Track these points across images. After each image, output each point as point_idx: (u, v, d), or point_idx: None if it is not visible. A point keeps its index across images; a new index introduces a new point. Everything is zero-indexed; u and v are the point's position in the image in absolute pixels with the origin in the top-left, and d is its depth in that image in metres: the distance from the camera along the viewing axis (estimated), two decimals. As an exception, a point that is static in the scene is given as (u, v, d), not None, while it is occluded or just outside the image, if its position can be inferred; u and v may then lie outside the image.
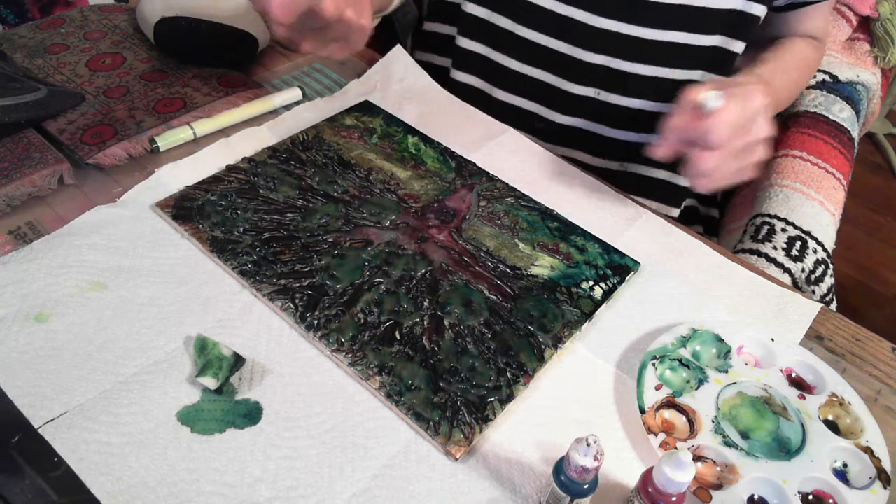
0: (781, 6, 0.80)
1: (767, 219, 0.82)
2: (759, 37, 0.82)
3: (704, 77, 0.79)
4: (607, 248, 0.67)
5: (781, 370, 0.59)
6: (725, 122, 0.58)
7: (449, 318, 0.59)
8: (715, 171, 0.60)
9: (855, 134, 0.95)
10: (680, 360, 0.58)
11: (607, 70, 0.79)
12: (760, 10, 0.76)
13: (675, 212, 0.89)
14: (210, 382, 0.52)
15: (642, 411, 0.54)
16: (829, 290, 0.81)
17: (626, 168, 0.86)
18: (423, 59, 0.93)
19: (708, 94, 0.59)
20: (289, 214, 0.66)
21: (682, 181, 0.89)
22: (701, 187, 0.62)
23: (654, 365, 0.58)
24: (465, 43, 0.85)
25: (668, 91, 0.80)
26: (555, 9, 0.77)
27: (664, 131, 0.62)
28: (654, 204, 0.86)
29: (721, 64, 0.78)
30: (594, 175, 0.77)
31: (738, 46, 0.78)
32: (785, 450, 0.54)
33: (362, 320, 0.58)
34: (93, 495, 0.46)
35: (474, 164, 0.75)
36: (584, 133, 0.84)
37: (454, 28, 0.86)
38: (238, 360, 0.54)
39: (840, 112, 0.94)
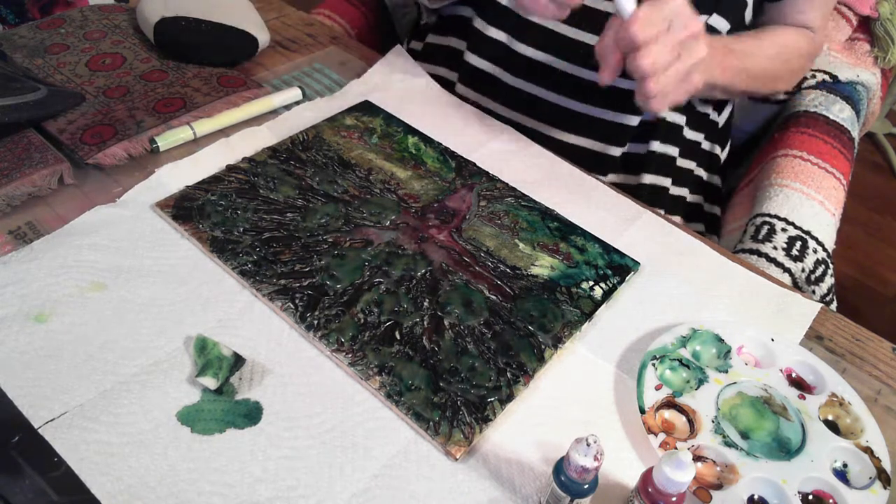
0: None
1: (767, 219, 0.82)
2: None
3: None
4: (607, 248, 0.67)
5: (781, 370, 0.59)
6: (642, 19, 0.59)
7: (449, 318, 0.59)
8: (656, 68, 0.61)
9: (855, 134, 0.95)
10: (680, 360, 0.58)
11: None
12: None
13: (685, 191, 0.88)
14: (210, 382, 0.52)
15: (642, 411, 0.54)
16: (829, 290, 0.81)
17: (629, 150, 0.86)
18: (435, 42, 0.93)
19: (621, 4, 0.61)
20: (289, 214, 0.66)
21: (687, 163, 0.88)
22: (653, 103, 0.63)
23: (654, 365, 0.58)
24: (482, 27, 0.85)
25: None
26: None
27: (598, 55, 0.64)
28: (665, 180, 0.86)
29: None
30: (596, 172, 0.77)
31: (722, 24, 0.80)
32: (785, 450, 0.54)
33: (362, 320, 0.58)
34: (93, 495, 0.46)
35: (474, 164, 0.75)
36: (594, 119, 0.84)
37: (469, 8, 0.86)
38: (238, 360, 0.54)
39: (840, 112, 0.94)
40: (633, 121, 0.83)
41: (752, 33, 0.82)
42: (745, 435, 0.54)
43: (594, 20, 0.78)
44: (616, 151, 0.85)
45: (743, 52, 0.77)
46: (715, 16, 0.78)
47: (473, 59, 0.87)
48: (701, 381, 0.57)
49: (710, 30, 0.78)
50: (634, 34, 0.59)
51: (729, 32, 0.81)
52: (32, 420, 0.49)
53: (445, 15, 0.91)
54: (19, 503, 0.45)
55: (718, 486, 0.51)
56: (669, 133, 0.86)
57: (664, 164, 0.87)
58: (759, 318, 0.64)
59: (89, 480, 0.47)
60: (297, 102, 0.81)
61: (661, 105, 0.64)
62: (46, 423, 0.49)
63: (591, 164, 0.83)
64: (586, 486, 0.45)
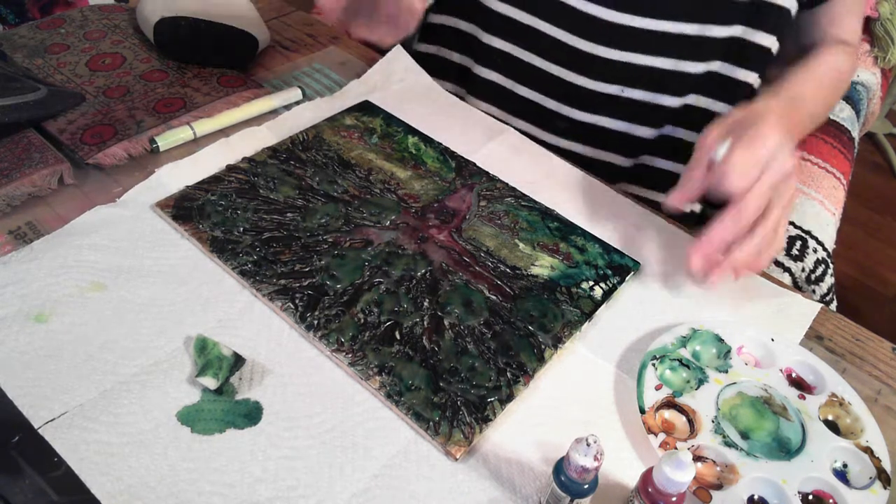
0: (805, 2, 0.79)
1: (768, 218, 0.82)
2: (792, 45, 0.81)
3: (723, 68, 0.79)
4: (607, 248, 0.67)
5: (781, 370, 0.59)
6: (735, 164, 0.57)
7: (449, 318, 0.59)
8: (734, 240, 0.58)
9: (855, 134, 0.95)
10: (680, 360, 0.58)
11: (631, 66, 0.79)
12: (789, 2, 0.75)
13: (697, 206, 0.88)
14: (210, 382, 0.52)
15: (642, 411, 0.54)
16: (829, 290, 0.81)
17: (641, 161, 0.86)
18: (442, 55, 0.92)
19: (717, 149, 0.58)
20: (289, 214, 0.66)
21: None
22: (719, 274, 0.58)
23: (654, 365, 0.58)
24: (489, 39, 0.84)
25: (695, 84, 0.80)
26: (576, 5, 0.77)
27: (683, 183, 0.61)
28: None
29: (742, 55, 0.78)
30: (603, 176, 0.77)
31: (763, 38, 0.77)
32: (785, 450, 0.54)
33: (362, 320, 0.58)
34: (93, 495, 0.46)
35: (474, 164, 0.75)
36: (606, 131, 0.84)
37: (473, 25, 0.86)
38: (238, 360, 0.54)
39: (840, 112, 0.94)
40: (646, 132, 0.83)
41: (806, 70, 0.76)
42: (745, 435, 0.54)
43: (605, 32, 0.78)
44: (626, 162, 0.85)
45: (804, 99, 0.73)
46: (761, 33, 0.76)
47: (482, 72, 0.86)
48: (701, 381, 0.57)
49: (756, 47, 0.76)
50: (727, 181, 0.56)
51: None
52: (32, 420, 0.49)
53: (447, 26, 0.90)
54: (19, 503, 0.45)
55: (718, 486, 0.51)
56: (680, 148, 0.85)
57: (669, 179, 0.86)
58: (759, 318, 0.64)
59: (89, 480, 0.47)
60: (297, 102, 0.81)
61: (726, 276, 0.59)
62: (46, 423, 0.49)
63: (602, 175, 0.82)
64: (586, 486, 0.45)
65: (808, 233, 0.81)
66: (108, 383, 0.52)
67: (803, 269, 0.79)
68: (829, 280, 0.81)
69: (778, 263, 0.79)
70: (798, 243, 0.80)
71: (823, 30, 0.81)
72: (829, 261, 0.82)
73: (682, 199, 0.61)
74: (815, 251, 0.80)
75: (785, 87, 0.71)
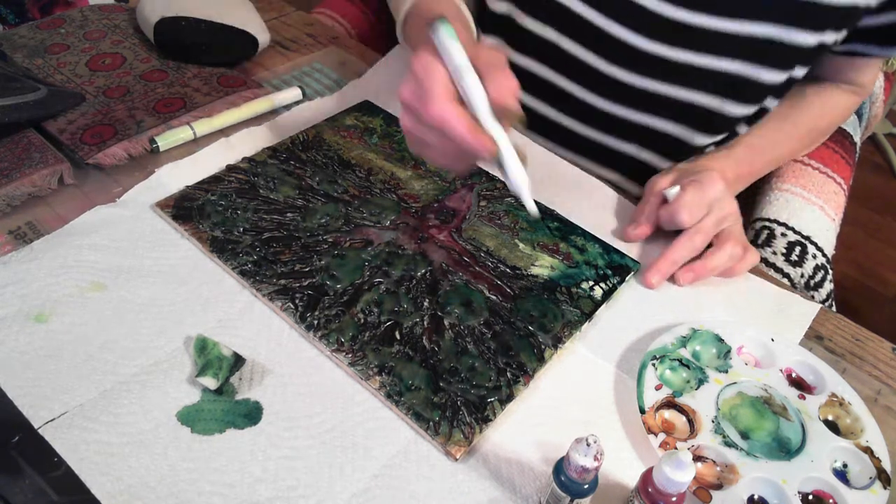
0: (838, 51, 0.75)
1: (767, 223, 0.81)
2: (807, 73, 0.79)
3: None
4: (607, 248, 0.68)
5: (781, 370, 0.59)
6: (685, 202, 0.66)
7: (449, 318, 0.59)
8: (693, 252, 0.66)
9: (857, 138, 0.95)
10: (680, 360, 0.58)
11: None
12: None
13: None
14: (210, 382, 0.52)
15: (642, 411, 0.54)
16: (828, 296, 0.81)
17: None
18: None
19: (669, 189, 0.68)
20: (289, 214, 0.66)
21: None
22: (686, 280, 0.67)
23: (654, 365, 0.58)
24: (527, 22, 0.81)
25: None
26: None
27: (636, 219, 0.70)
28: None
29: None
30: (605, 182, 0.77)
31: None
32: (785, 450, 0.54)
33: (362, 320, 0.58)
34: (93, 495, 0.46)
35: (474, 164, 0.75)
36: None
37: (511, 5, 0.83)
38: (238, 360, 0.54)
39: (842, 116, 0.94)
40: (699, 139, 0.79)
41: (786, 115, 0.77)
42: (745, 435, 0.54)
43: (650, 23, 0.72)
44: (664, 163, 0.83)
45: (766, 147, 0.75)
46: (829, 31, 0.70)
47: (518, 58, 0.81)
48: (701, 381, 0.57)
49: (823, 48, 0.71)
50: (678, 216, 0.65)
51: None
52: (32, 420, 0.49)
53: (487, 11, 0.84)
54: (19, 503, 0.45)
55: (718, 486, 0.51)
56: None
57: None
58: (759, 318, 0.64)
59: (89, 480, 0.47)
60: (297, 102, 0.81)
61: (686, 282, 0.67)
62: (46, 423, 0.49)
63: (637, 174, 0.81)
64: (586, 486, 0.45)
65: (807, 238, 0.81)
66: (108, 383, 0.52)
67: (802, 275, 0.79)
68: (828, 286, 0.81)
69: (777, 269, 0.79)
70: (797, 249, 0.80)
71: (844, 73, 0.79)
72: (828, 266, 0.82)
73: (640, 233, 0.69)
74: (814, 257, 0.80)
75: (751, 134, 0.77)
